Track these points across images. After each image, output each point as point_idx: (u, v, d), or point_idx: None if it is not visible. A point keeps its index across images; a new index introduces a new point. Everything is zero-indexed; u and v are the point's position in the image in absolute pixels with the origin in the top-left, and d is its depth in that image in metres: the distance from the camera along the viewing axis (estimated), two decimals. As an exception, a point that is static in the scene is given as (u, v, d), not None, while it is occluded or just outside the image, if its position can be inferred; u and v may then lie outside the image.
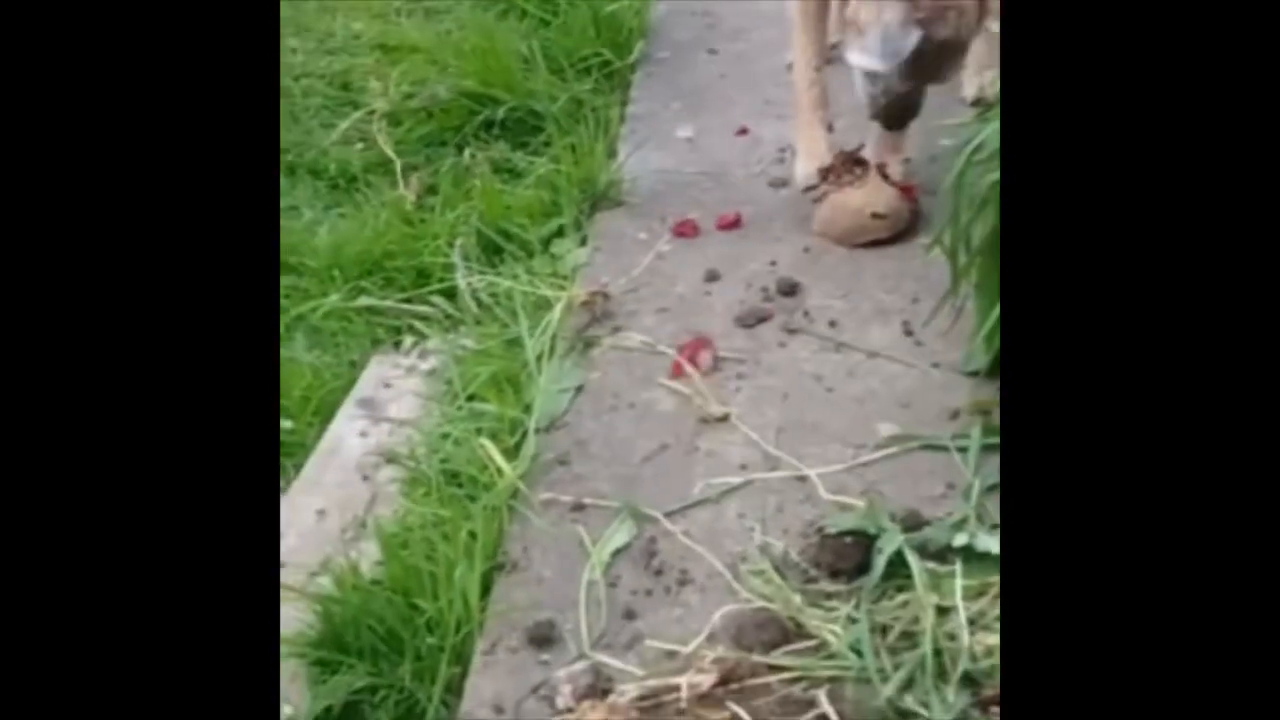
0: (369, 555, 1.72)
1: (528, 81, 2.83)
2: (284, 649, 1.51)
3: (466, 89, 2.85)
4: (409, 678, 1.53)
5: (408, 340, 2.22)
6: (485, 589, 1.62)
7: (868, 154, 2.33)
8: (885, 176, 2.27)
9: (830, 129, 2.37)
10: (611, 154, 2.58)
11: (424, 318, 2.23)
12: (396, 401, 2.05)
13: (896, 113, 2.21)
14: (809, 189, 2.33)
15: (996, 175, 1.75)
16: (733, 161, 2.53)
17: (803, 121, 2.38)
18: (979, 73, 2.56)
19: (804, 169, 2.35)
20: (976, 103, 2.49)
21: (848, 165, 2.29)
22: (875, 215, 2.21)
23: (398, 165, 2.67)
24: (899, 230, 2.23)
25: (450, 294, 2.27)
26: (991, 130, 1.76)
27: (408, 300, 2.28)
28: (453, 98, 2.86)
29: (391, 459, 1.90)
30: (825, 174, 2.30)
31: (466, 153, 2.70)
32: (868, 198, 2.23)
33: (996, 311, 1.74)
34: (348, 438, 1.98)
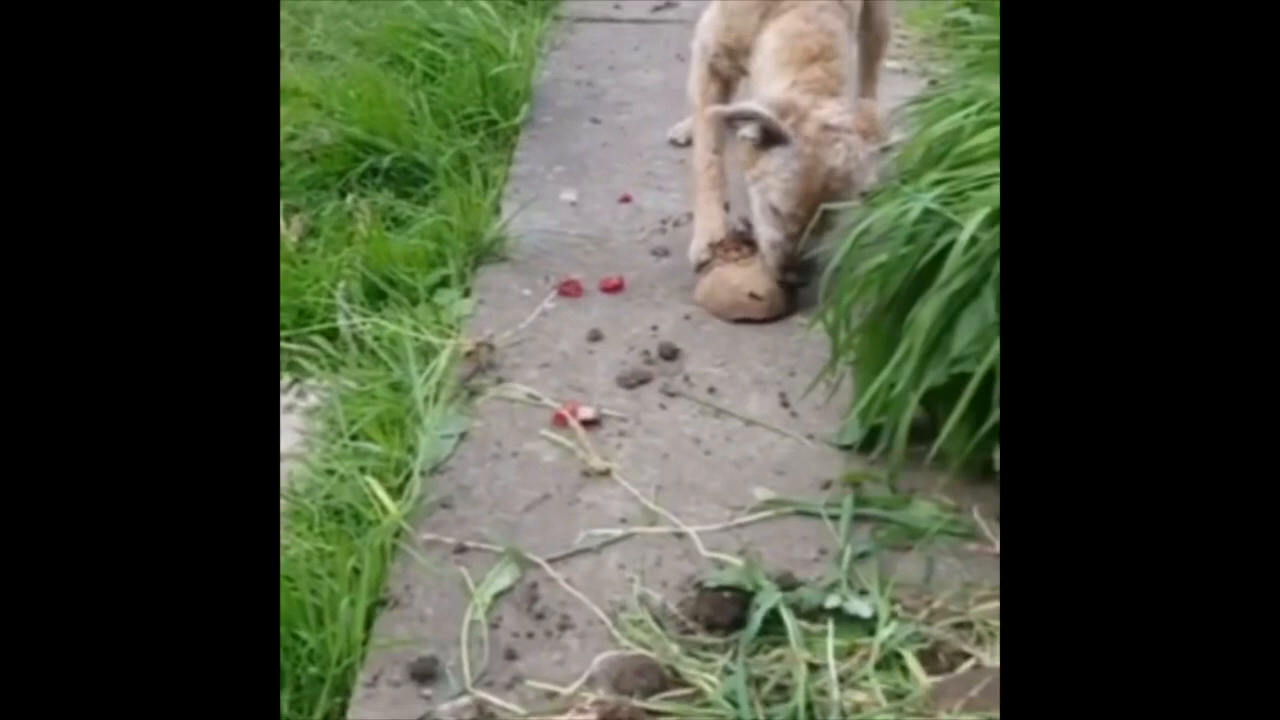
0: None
1: (414, 132, 2.87)
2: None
3: (352, 135, 2.87)
4: (288, 707, 1.52)
5: (286, 377, 2.21)
6: (368, 623, 1.62)
7: None
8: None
9: (726, 208, 2.46)
10: (496, 210, 2.63)
11: (304, 356, 2.23)
12: (274, 436, 2.04)
13: (791, 261, 2.26)
14: (701, 265, 2.41)
15: (879, 258, 1.86)
16: (615, 228, 2.60)
17: (700, 200, 2.46)
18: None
19: (697, 245, 2.43)
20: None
21: (736, 243, 2.38)
22: (752, 295, 2.30)
23: (280, 205, 2.67)
24: (773, 314, 2.30)
25: (331, 335, 2.28)
26: (878, 216, 1.87)
27: (288, 338, 2.28)
28: (337, 143, 2.88)
29: (271, 492, 1.88)
30: (714, 248, 2.38)
31: (349, 198, 2.72)
32: (747, 278, 2.31)
33: (873, 387, 1.84)
34: (225, 469, 1.95)
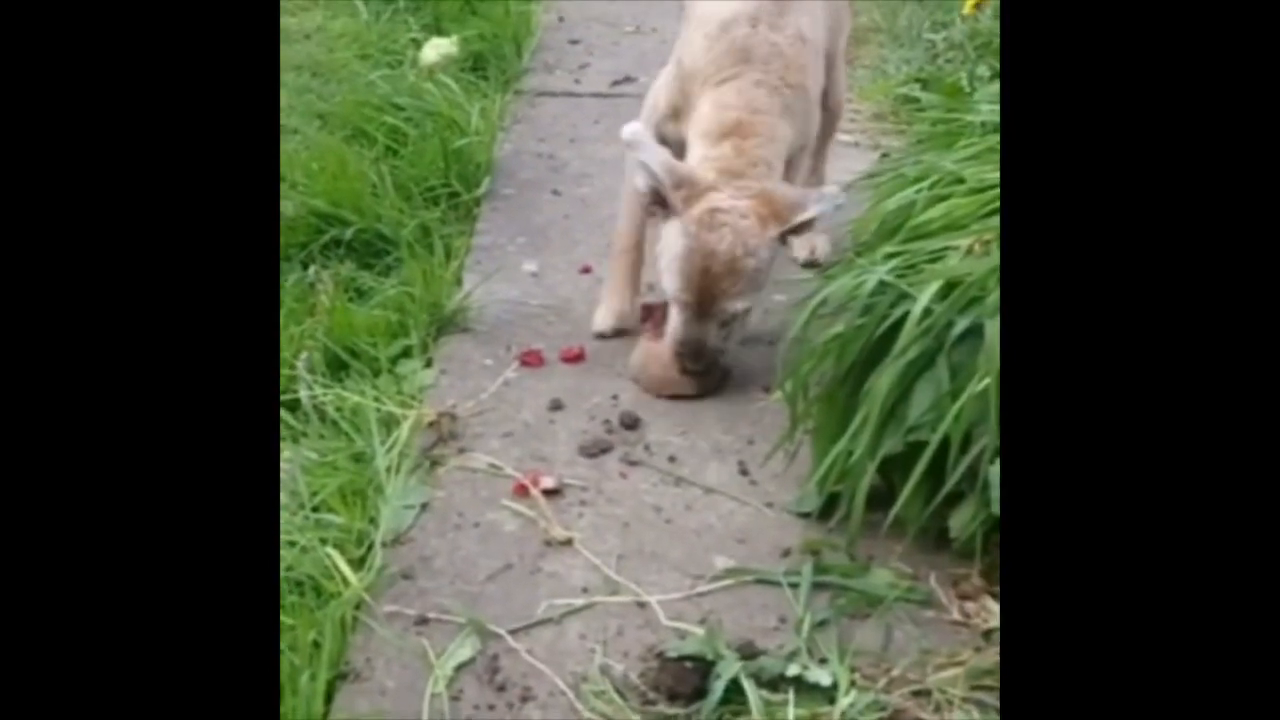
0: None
1: (376, 205, 2.89)
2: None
3: (314, 208, 2.89)
4: (248, 784, 1.51)
5: (247, 448, 2.21)
6: (328, 697, 1.62)
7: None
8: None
9: (637, 284, 2.50)
10: (458, 281, 2.66)
11: (265, 427, 2.23)
12: (235, 508, 2.04)
13: (692, 350, 2.23)
14: (600, 335, 2.45)
15: (836, 328, 1.90)
16: (576, 298, 2.63)
17: (611, 269, 2.50)
18: (810, 235, 2.74)
19: (602, 317, 2.47)
20: (808, 265, 2.67)
21: (664, 318, 2.35)
22: (684, 371, 2.27)
23: (241, 276, 2.68)
24: (705, 390, 2.29)
25: (293, 406, 2.28)
26: (834, 287, 1.91)
27: (249, 409, 2.28)
28: (300, 215, 2.89)
29: (231, 565, 1.88)
30: (646, 317, 2.39)
31: (312, 269, 2.73)
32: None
33: (831, 455, 1.87)
34: (185, 541, 1.95)
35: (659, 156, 2.20)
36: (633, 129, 2.23)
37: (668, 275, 2.20)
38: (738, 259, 2.14)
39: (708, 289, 2.17)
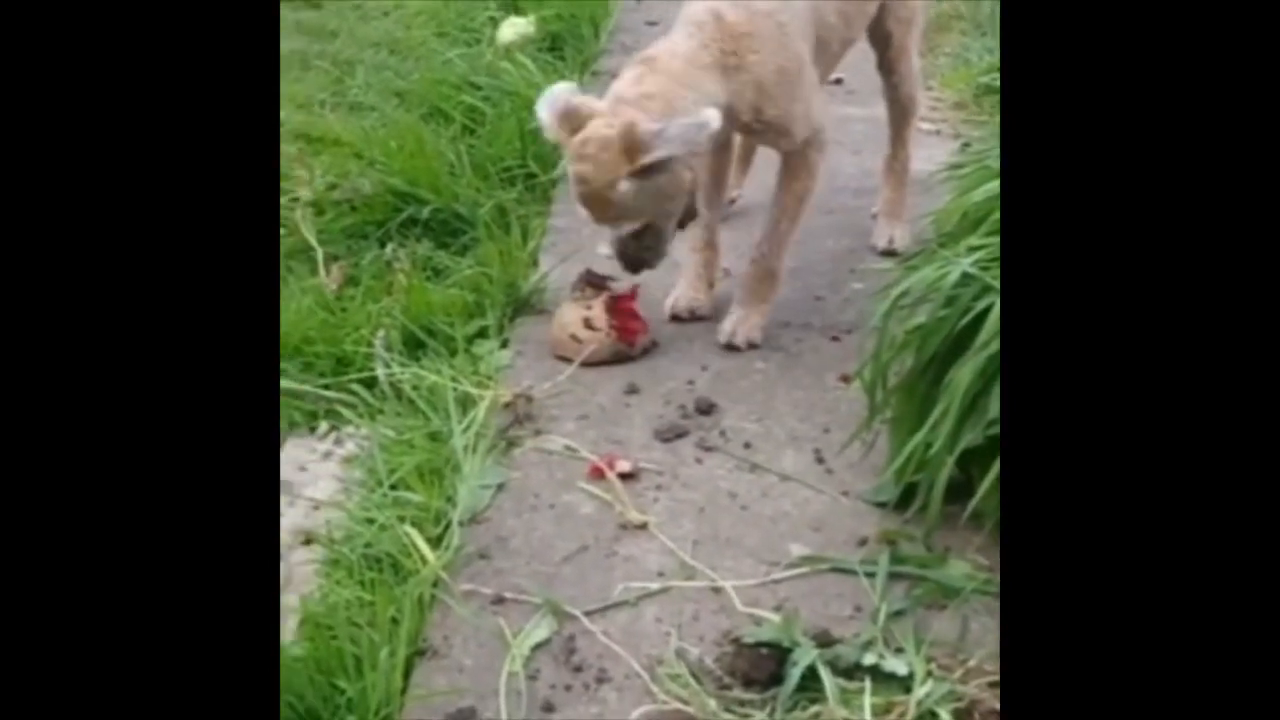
0: (284, 633, 1.72)
1: (453, 184, 2.91)
2: None
3: (391, 186, 2.91)
4: (328, 756, 1.54)
5: (324, 425, 2.24)
6: (406, 673, 1.64)
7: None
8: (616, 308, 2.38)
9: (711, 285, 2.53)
10: (534, 262, 2.67)
11: (343, 404, 2.26)
12: (314, 484, 2.07)
13: (629, 256, 2.30)
14: (674, 318, 2.51)
15: (918, 319, 1.89)
16: (650, 280, 2.62)
17: (688, 264, 2.55)
18: (890, 224, 2.73)
19: (674, 300, 2.53)
20: (886, 253, 2.65)
21: (583, 285, 2.45)
22: (573, 337, 2.35)
23: (319, 254, 2.72)
24: (591, 360, 2.33)
25: (370, 383, 2.31)
26: (916, 278, 1.89)
27: (327, 386, 2.31)
28: (377, 193, 2.93)
29: (310, 540, 1.91)
30: (575, 284, 2.47)
31: (389, 247, 2.76)
32: (575, 320, 2.37)
33: (909, 446, 1.85)
34: (265, 515, 1.98)
35: (555, 95, 2.23)
36: (553, 89, 2.26)
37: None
38: (601, 189, 2.16)
39: (592, 212, 2.20)
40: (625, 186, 2.14)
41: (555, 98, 2.22)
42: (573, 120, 2.17)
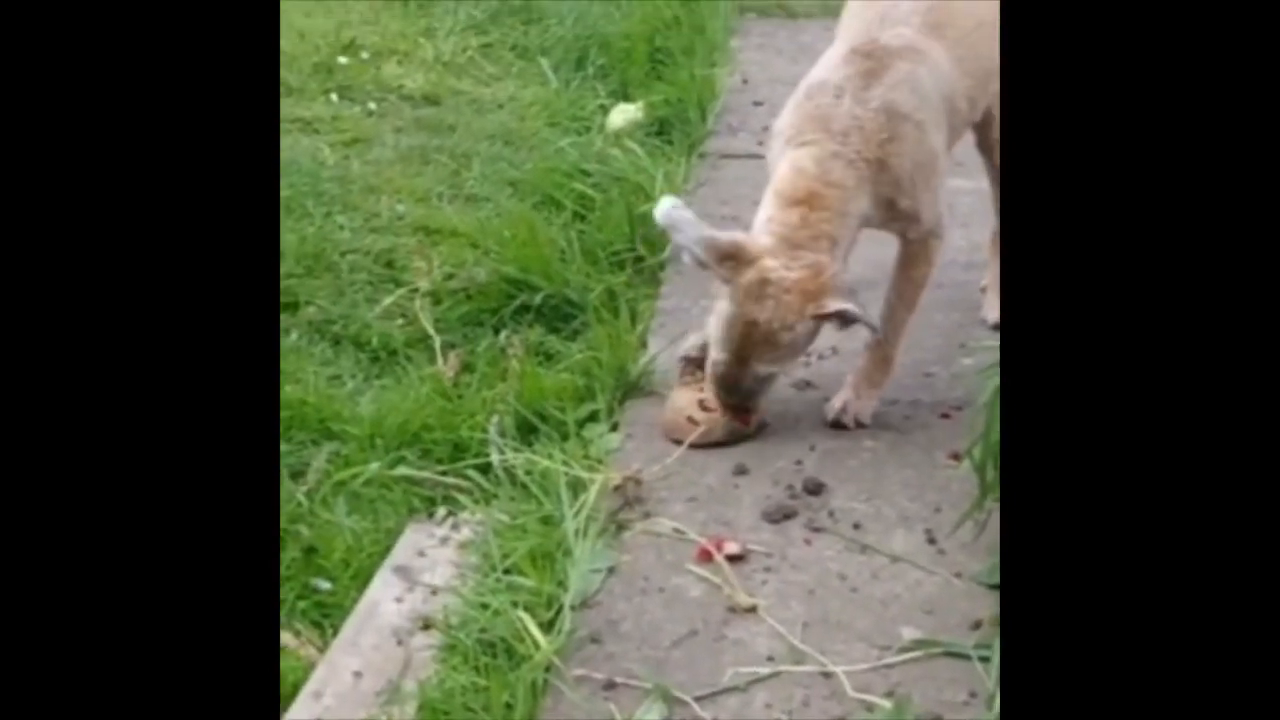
0: (404, 719, 1.76)
1: (564, 270, 2.97)
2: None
3: (505, 273, 2.98)
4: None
5: (441, 510, 2.30)
6: (520, 760, 1.66)
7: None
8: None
9: None
10: (643, 345, 2.70)
11: (459, 489, 2.31)
12: (431, 570, 2.12)
13: (728, 386, 2.29)
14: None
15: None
16: (759, 362, 2.64)
17: None
18: (999, 297, 2.70)
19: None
20: (996, 327, 2.63)
21: (690, 368, 2.44)
22: (690, 420, 2.34)
23: (437, 342, 2.79)
24: (707, 440, 2.32)
25: (485, 468, 2.36)
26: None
27: (444, 472, 2.36)
28: (491, 281, 2.99)
29: (428, 625, 1.95)
30: (685, 370, 2.45)
31: (503, 334, 2.82)
32: (690, 402, 2.37)
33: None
34: (384, 602, 2.03)
35: (696, 234, 2.25)
36: (664, 210, 2.30)
37: (713, 334, 2.27)
38: (775, 331, 2.20)
39: (744, 353, 2.23)
40: (801, 330, 2.21)
41: (693, 234, 2.25)
42: (738, 257, 2.21)
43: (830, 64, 2.36)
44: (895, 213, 2.31)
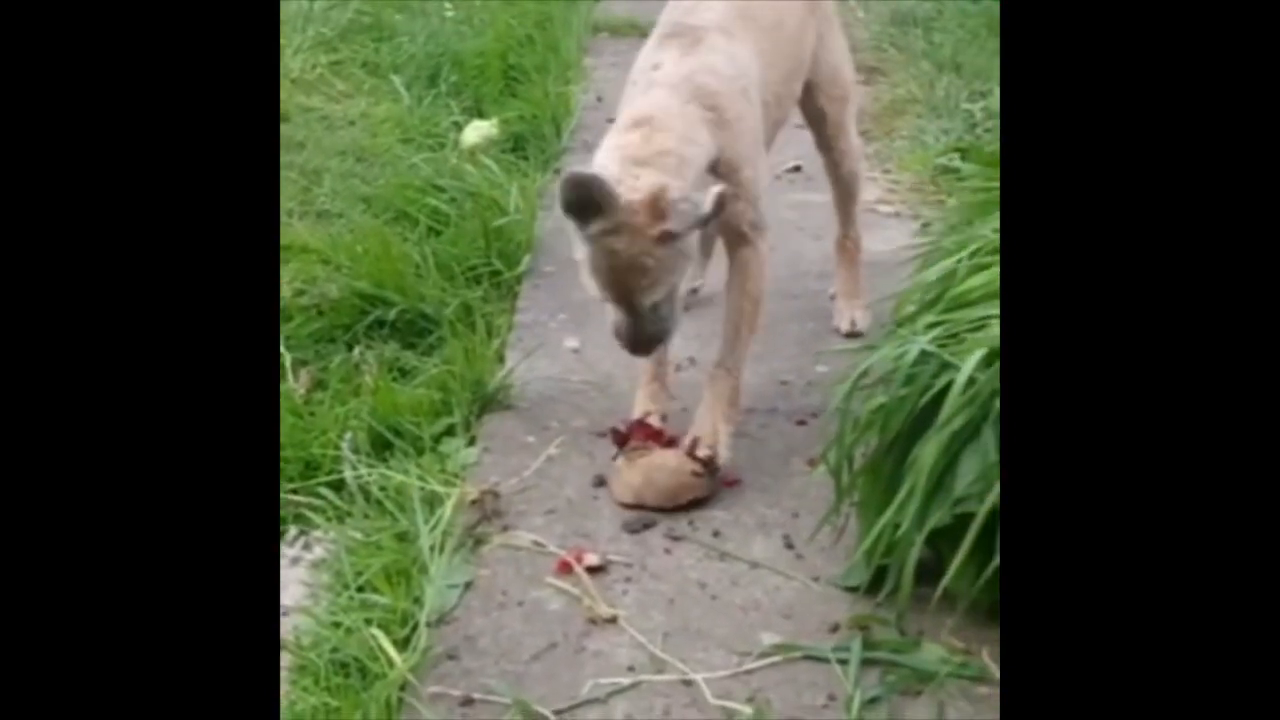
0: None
1: (419, 285, 2.92)
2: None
3: (358, 289, 2.91)
4: None
5: (293, 530, 2.22)
6: (373, 781, 1.61)
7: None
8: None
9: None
10: (500, 359, 2.67)
11: (311, 508, 2.24)
12: (282, 591, 2.04)
13: (631, 335, 2.17)
14: None
15: (879, 400, 1.89)
16: (618, 374, 2.63)
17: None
18: (849, 305, 2.74)
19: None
20: (850, 335, 2.66)
21: (642, 437, 2.26)
22: (694, 473, 2.19)
23: (287, 359, 2.71)
24: (716, 487, 2.21)
25: (337, 486, 2.29)
26: (876, 358, 1.90)
27: (294, 491, 2.29)
28: (344, 296, 2.92)
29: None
30: (618, 440, 2.27)
31: (356, 350, 2.75)
32: (681, 458, 2.21)
33: (877, 528, 1.85)
34: (231, 624, 1.95)
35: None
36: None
37: (586, 280, 2.15)
38: (636, 257, 2.07)
39: (623, 289, 2.10)
40: (661, 251, 2.07)
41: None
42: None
43: (644, 52, 2.37)
44: (737, 182, 2.22)
